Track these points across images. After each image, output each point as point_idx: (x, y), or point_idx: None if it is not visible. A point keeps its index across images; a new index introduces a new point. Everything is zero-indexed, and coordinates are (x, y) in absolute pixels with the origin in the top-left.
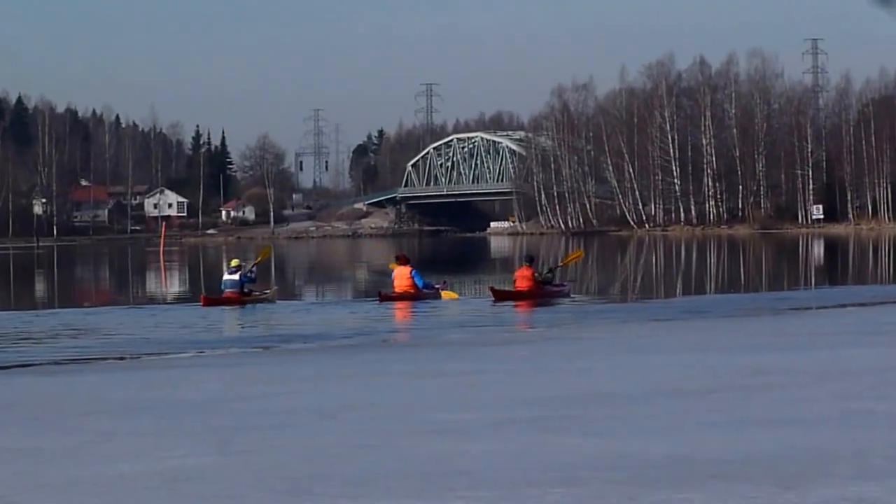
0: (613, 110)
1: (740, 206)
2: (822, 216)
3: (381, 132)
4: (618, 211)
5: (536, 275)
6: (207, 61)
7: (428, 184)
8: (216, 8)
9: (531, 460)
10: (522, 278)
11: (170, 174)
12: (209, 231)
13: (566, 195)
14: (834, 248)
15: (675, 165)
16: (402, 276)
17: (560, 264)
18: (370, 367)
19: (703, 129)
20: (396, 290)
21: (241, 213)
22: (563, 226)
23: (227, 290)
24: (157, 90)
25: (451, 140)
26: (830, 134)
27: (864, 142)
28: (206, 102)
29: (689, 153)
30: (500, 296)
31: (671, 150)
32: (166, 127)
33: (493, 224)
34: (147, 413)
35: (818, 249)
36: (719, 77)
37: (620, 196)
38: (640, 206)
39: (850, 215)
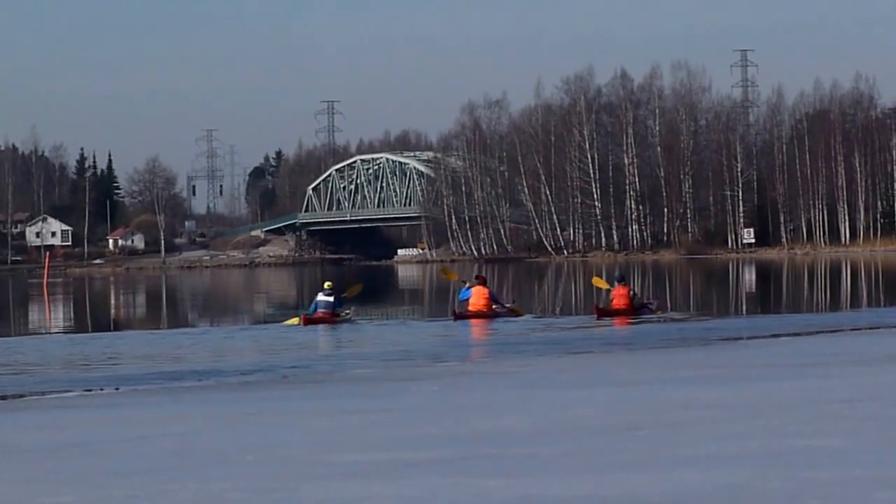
0: (529, 128)
1: (665, 230)
2: (753, 240)
3: (279, 153)
4: (534, 236)
5: (632, 293)
6: (91, 77)
7: (330, 208)
8: (99, 18)
9: None
10: (620, 297)
11: (53, 201)
12: (96, 261)
13: (478, 220)
14: (766, 274)
15: (596, 187)
16: (479, 295)
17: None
18: (270, 405)
19: (625, 147)
20: (471, 308)
21: (129, 242)
22: (475, 252)
23: (321, 310)
24: (37, 109)
25: (355, 161)
26: (762, 152)
27: (797, 160)
28: (91, 122)
29: (611, 174)
30: (602, 313)
31: (591, 171)
32: (49, 149)
33: (400, 251)
34: (29, 456)
35: (749, 276)
36: (642, 91)
37: (537, 220)
38: (559, 231)
39: (784, 239)
